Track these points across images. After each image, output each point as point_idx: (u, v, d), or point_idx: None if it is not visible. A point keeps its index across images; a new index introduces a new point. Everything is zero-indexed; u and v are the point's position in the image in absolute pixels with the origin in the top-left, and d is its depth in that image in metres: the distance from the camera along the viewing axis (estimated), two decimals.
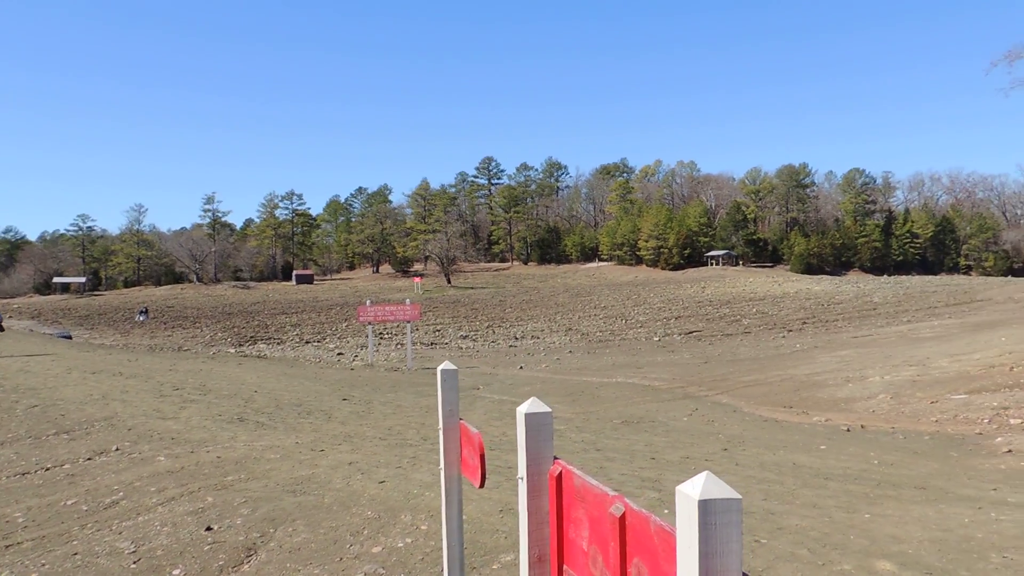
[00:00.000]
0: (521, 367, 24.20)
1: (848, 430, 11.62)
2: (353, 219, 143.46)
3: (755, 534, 5.75)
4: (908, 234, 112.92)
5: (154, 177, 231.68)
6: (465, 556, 5.18)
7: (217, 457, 8.30)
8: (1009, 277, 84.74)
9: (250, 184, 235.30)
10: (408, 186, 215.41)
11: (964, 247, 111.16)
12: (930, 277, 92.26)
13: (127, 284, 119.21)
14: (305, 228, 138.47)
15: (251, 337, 38.71)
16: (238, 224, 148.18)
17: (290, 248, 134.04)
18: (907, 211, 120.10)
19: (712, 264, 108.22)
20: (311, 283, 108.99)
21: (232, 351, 30.82)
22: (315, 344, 35.02)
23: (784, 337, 32.58)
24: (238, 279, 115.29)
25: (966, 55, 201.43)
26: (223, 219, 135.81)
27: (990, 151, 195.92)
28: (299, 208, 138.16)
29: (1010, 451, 9.25)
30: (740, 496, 1.46)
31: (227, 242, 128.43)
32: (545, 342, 34.74)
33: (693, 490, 1.46)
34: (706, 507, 1.44)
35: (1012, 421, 11.10)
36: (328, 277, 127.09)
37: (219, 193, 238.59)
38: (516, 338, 36.75)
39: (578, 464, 8.62)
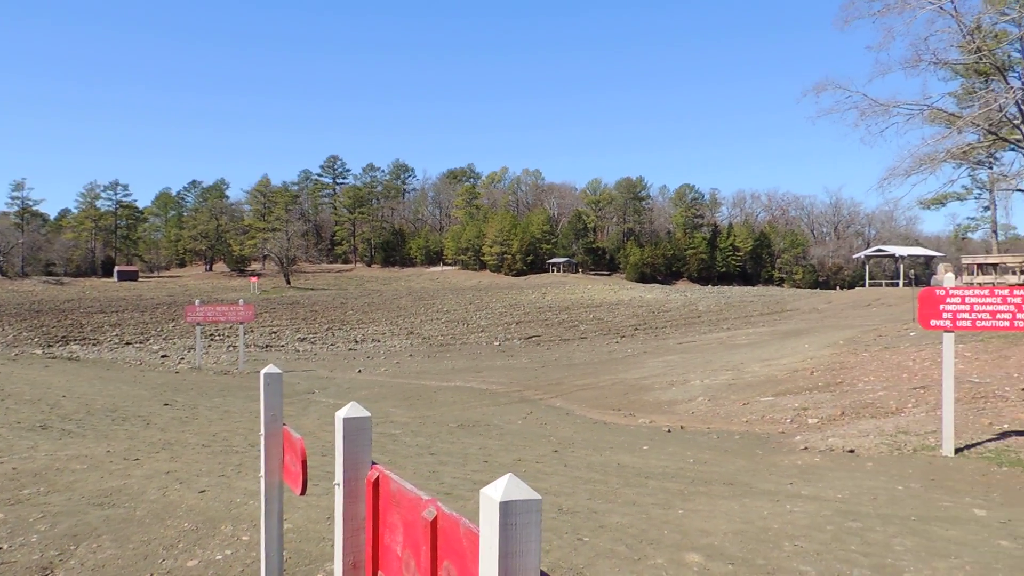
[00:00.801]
0: (360, 371, 23.80)
1: (669, 431, 12.32)
2: (185, 214, 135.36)
3: (579, 532, 5.96)
4: (731, 247, 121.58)
5: None
6: (289, 565, 5.02)
7: (13, 469, 7.55)
8: (816, 289, 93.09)
9: (68, 172, 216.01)
10: (247, 182, 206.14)
11: (778, 261, 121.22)
12: (748, 288, 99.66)
13: None
14: (130, 221, 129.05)
15: (62, 337, 35.51)
16: (52, 214, 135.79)
17: (112, 242, 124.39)
18: (731, 226, 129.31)
19: (553, 271, 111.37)
20: (135, 280, 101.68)
21: (39, 352, 28.14)
22: (137, 345, 32.69)
23: (617, 343, 34.06)
24: (50, 274, 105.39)
25: (783, 82, 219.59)
26: (34, 208, 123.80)
27: (802, 173, 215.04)
28: (124, 200, 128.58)
29: (806, 448, 10.17)
30: (540, 497, 1.52)
31: (38, 233, 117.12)
32: (386, 345, 34.37)
33: (495, 492, 1.50)
34: (507, 508, 1.48)
35: (810, 420, 12.21)
36: (155, 275, 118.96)
37: (30, 180, 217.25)
38: (356, 341, 36.10)
39: (411, 468, 8.62)
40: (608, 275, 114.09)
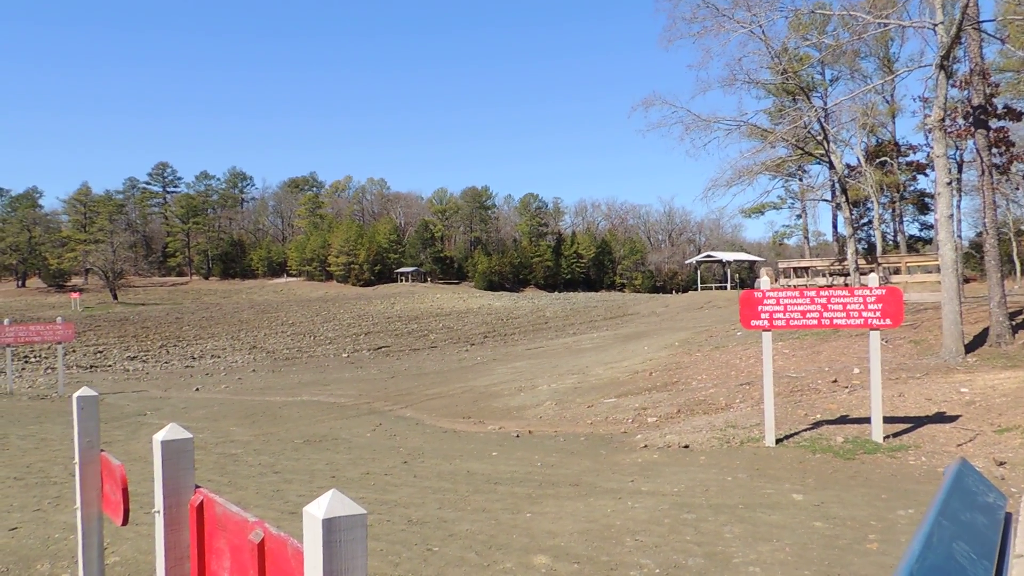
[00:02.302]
0: (197, 389, 22.54)
1: (518, 436, 12.55)
2: None
3: (428, 543, 5.95)
4: (575, 254, 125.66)
5: None
6: None
7: None
8: (654, 294, 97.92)
9: None
10: (64, 190, 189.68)
11: (619, 267, 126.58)
12: (592, 293, 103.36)
13: None
14: None
15: None
16: None
17: None
18: (574, 234, 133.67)
19: (402, 280, 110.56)
20: None
21: None
22: None
23: (467, 351, 34.29)
24: None
25: (618, 97, 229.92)
26: None
27: (638, 184, 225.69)
28: None
29: (646, 446, 10.68)
30: (365, 512, 1.51)
31: None
32: (226, 361, 32.76)
33: (318, 510, 1.48)
34: (330, 525, 1.46)
35: (649, 419, 12.84)
36: None
37: None
38: (194, 358, 34.17)
39: (254, 489, 8.27)
40: (457, 284, 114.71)
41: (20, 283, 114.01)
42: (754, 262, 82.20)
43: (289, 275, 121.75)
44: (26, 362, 31.69)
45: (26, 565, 5.30)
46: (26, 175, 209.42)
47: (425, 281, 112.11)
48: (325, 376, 25.68)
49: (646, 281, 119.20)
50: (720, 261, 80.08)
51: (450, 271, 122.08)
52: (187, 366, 31.20)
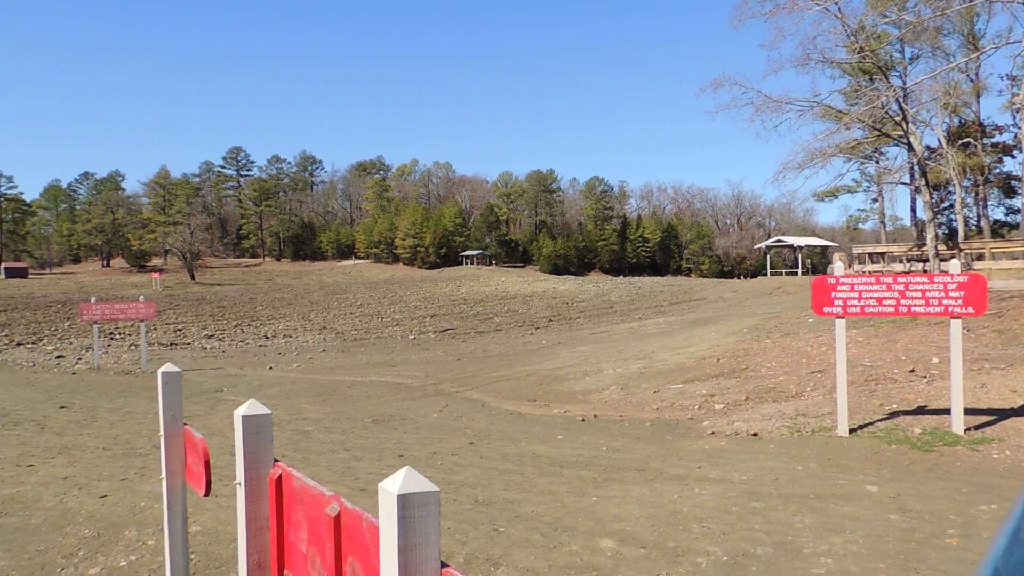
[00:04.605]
0: (271, 367, 23.24)
1: (583, 420, 12.56)
2: (78, 207, 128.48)
3: (495, 523, 6.03)
4: (640, 239, 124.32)
5: None
6: (199, 568, 4.89)
7: None
8: (721, 279, 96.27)
9: None
10: (145, 173, 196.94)
11: (685, 251, 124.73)
12: (658, 278, 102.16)
13: None
14: (17, 215, 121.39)
15: None
16: None
17: None
18: (639, 218, 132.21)
19: (467, 263, 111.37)
20: (25, 277, 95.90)
21: None
22: (29, 346, 30.95)
23: (532, 334, 34.39)
24: None
25: (686, 78, 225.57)
26: None
27: (705, 166, 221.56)
28: (9, 192, 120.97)
29: (713, 433, 10.55)
30: (438, 489, 1.54)
31: None
32: (298, 341, 33.66)
33: (393, 486, 1.52)
34: (405, 501, 1.50)
35: (716, 406, 12.67)
36: (47, 271, 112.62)
37: None
38: (267, 337, 35.22)
39: (325, 465, 8.51)
40: (522, 267, 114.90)
41: (105, 263, 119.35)
42: (826, 247, 79.84)
43: (357, 257, 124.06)
44: (112, 339, 33.21)
45: (115, 531, 5.58)
46: (110, 159, 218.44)
47: (490, 264, 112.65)
48: (392, 357, 26.14)
49: (713, 266, 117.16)
50: (791, 246, 78.05)
51: (515, 254, 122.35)
52: (260, 345, 32.17)
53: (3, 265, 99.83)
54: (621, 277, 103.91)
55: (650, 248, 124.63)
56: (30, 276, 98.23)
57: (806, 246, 77.45)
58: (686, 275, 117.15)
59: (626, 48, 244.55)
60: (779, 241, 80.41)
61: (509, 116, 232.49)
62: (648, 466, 8.40)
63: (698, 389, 14.40)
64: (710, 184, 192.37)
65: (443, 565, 1.54)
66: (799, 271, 69.77)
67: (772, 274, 70.37)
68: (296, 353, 28.44)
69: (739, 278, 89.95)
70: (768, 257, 76.99)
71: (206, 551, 5.19)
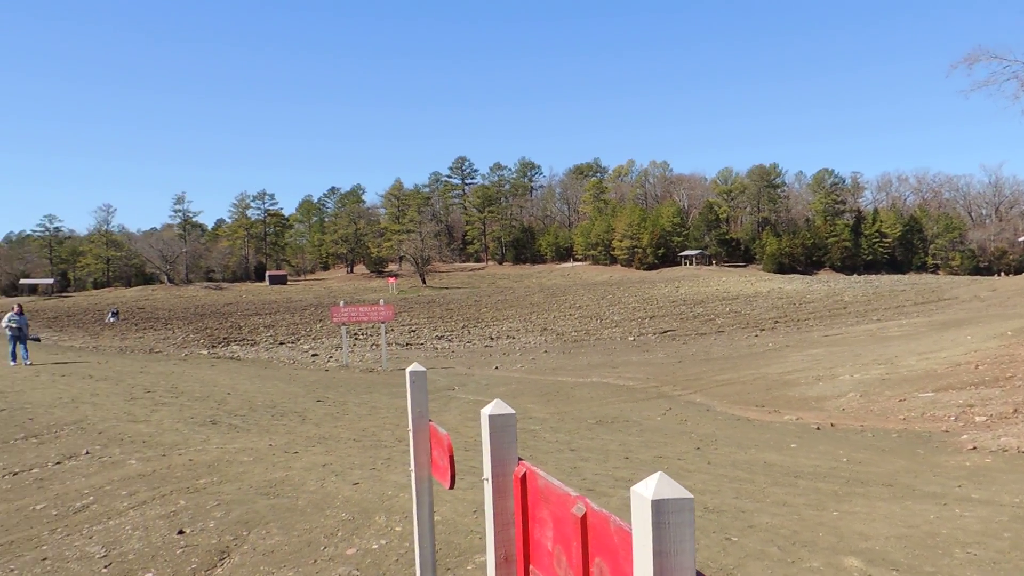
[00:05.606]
0: (496, 367, 24.23)
1: (818, 428, 11.80)
2: (326, 219, 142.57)
3: (727, 532, 5.83)
4: (877, 234, 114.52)
5: (122, 177, 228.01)
6: (439, 557, 5.21)
7: (189, 460, 8.25)
8: (976, 276, 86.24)
9: (221, 184, 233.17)
10: (381, 186, 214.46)
11: (931, 246, 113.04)
12: (899, 276, 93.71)
13: (96, 285, 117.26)
14: (278, 228, 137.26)
15: (224, 338, 38.33)
16: (209, 224, 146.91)
17: (263, 248, 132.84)
18: (876, 211, 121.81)
19: (686, 264, 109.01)
20: (284, 284, 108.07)
21: (205, 353, 30.51)
22: (289, 345, 34.78)
23: (757, 336, 32.93)
24: (210, 280, 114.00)
25: (928, 55, 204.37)
26: (194, 219, 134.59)
27: (954, 151, 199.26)
28: (271, 208, 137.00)
29: (975, 448, 9.45)
30: (692, 496, 1.51)
31: (198, 243, 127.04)
32: (520, 342, 34.81)
33: (647, 491, 1.51)
34: (659, 507, 1.49)
35: (977, 419, 11.34)
36: (302, 278, 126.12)
37: (189, 193, 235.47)
38: (491, 338, 36.78)
39: (552, 464, 8.72)
40: (743, 266, 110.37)
41: (349, 269, 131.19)
42: None
43: (575, 259, 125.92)
44: (356, 339, 36.40)
45: (367, 516, 6.10)
46: (352, 174, 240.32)
47: (709, 264, 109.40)
48: (612, 359, 26.21)
49: (966, 262, 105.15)
50: None
51: (736, 253, 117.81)
52: (486, 345, 33.66)
53: (267, 273, 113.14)
54: (855, 275, 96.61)
55: (888, 244, 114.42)
56: (288, 283, 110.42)
57: None
58: (932, 272, 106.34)
59: (858, 24, 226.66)
60: None
61: (730, 108, 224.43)
62: (897, 481, 7.70)
63: (953, 398, 12.97)
64: (961, 171, 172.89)
65: (698, 574, 1.51)
66: None
67: None
68: (519, 353, 29.42)
69: (998, 275, 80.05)
70: None
71: (446, 540, 5.51)
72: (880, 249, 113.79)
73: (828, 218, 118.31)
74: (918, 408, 12.66)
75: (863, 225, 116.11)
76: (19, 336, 19.95)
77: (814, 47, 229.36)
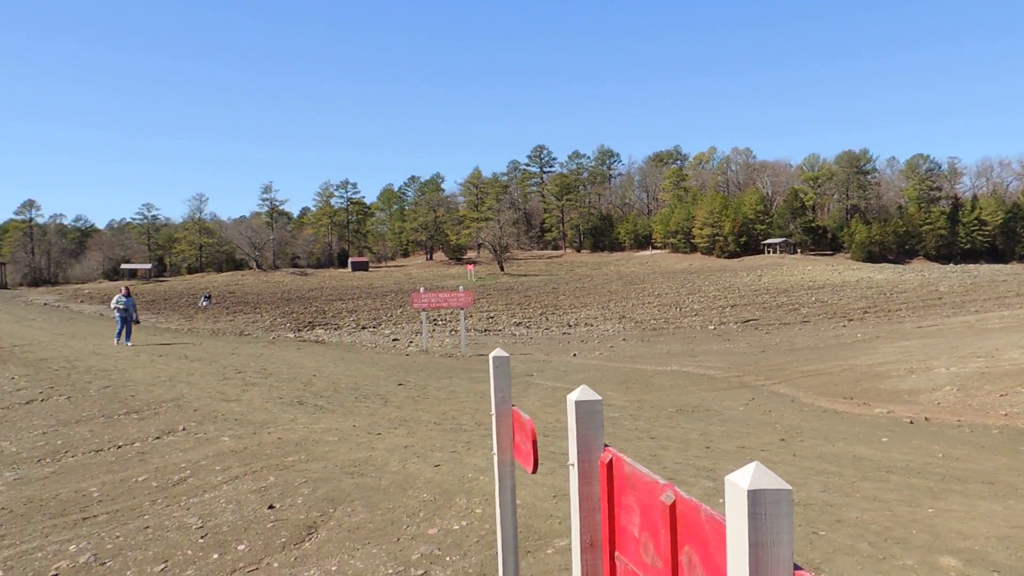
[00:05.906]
0: (574, 354, 24.18)
1: (911, 422, 11.34)
2: (407, 207, 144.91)
3: (814, 526, 5.68)
4: (976, 221, 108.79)
5: (213, 166, 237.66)
6: (520, 540, 5.25)
7: (278, 438, 8.55)
8: None
9: (305, 173, 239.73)
10: (460, 174, 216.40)
11: None
12: (1000, 266, 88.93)
13: (190, 270, 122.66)
14: (360, 216, 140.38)
15: (309, 322, 39.52)
16: (295, 212, 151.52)
17: (345, 236, 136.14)
18: (975, 198, 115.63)
19: (769, 252, 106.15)
20: (366, 270, 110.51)
21: (291, 336, 31.53)
22: (371, 330, 35.57)
23: (844, 326, 31.84)
24: (295, 266, 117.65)
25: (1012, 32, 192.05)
26: (280, 208, 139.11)
27: None
28: (354, 197, 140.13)
29: None
30: (790, 487, 1.47)
31: (284, 230, 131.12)
32: (598, 329, 34.63)
33: (743, 480, 1.47)
34: (755, 497, 1.45)
35: None
36: (383, 264, 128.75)
37: (275, 182, 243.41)
38: (569, 325, 36.71)
39: (632, 452, 8.65)
40: (830, 255, 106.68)
41: (428, 256, 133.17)
42: None
43: (654, 247, 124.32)
44: (435, 324, 36.94)
45: (448, 497, 6.19)
46: (431, 162, 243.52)
47: (794, 252, 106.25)
48: (692, 347, 25.79)
49: None
50: None
51: (822, 241, 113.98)
52: (564, 333, 33.62)
53: (350, 260, 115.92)
54: (951, 265, 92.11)
55: (988, 232, 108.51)
56: (370, 269, 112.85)
57: None
58: None
59: (944, 10, 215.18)
60: None
61: (818, 90, 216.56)
62: (998, 479, 7.33)
63: None
64: None
65: (796, 567, 1.47)
66: None
67: None
68: (597, 341, 29.28)
69: None
70: None
71: (525, 524, 5.54)
72: (979, 238, 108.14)
73: (922, 205, 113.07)
74: (1021, 403, 12.01)
75: (960, 212, 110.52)
76: (127, 317, 21.02)
77: (906, 24, 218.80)
